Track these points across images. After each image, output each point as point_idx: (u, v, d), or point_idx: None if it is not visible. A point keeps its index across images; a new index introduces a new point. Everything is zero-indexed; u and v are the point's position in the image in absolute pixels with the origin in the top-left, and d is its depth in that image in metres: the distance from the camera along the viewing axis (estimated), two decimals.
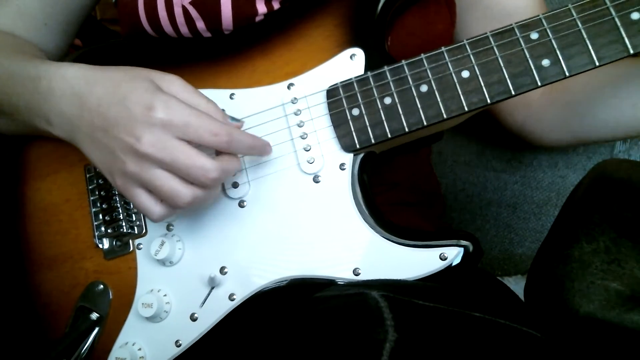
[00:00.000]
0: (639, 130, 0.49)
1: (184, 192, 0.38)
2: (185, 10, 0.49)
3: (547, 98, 0.56)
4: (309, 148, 0.44)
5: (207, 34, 0.51)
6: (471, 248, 0.41)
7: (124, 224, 0.49)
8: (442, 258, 0.40)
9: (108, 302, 0.47)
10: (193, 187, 0.39)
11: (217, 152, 0.41)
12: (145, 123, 0.37)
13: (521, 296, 0.48)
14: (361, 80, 0.43)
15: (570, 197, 0.45)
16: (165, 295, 0.45)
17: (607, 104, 0.49)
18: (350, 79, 0.44)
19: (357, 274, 0.42)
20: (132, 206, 0.49)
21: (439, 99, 0.41)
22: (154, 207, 0.40)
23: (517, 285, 0.68)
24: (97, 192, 0.50)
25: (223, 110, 0.46)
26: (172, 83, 0.40)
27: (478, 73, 0.41)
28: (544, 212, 0.71)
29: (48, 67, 0.44)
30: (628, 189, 0.40)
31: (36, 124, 0.45)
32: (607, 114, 0.49)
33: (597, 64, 0.39)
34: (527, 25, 0.40)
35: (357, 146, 0.43)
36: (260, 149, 0.43)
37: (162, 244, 0.45)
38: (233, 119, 0.41)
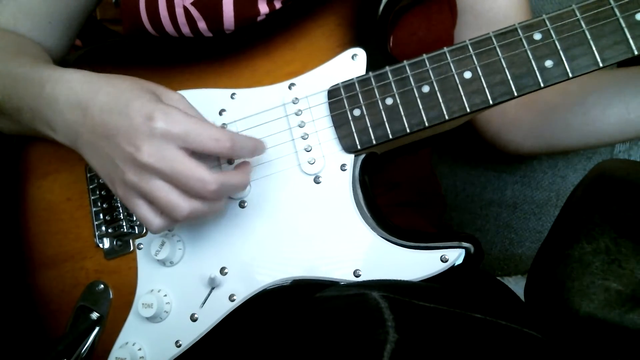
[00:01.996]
0: (610, 136, 0.50)
1: (182, 205, 0.38)
2: (186, 11, 0.49)
3: (522, 105, 0.57)
4: (310, 149, 0.44)
5: (209, 34, 0.51)
6: (472, 250, 0.41)
7: (124, 223, 0.49)
8: (443, 260, 0.40)
9: (108, 302, 0.47)
10: (192, 200, 0.38)
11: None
12: (145, 133, 0.37)
13: (521, 296, 0.48)
14: (363, 81, 0.43)
15: (571, 197, 0.45)
16: (165, 295, 0.45)
17: (578, 110, 0.50)
18: (352, 79, 0.43)
19: (357, 276, 0.42)
20: None
21: (440, 100, 0.41)
22: (153, 218, 0.40)
23: (517, 285, 0.68)
24: (97, 192, 0.50)
25: (223, 109, 0.46)
26: (175, 100, 0.40)
27: (480, 74, 0.40)
28: (544, 212, 0.71)
29: (52, 72, 0.43)
30: (628, 189, 0.40)
31: (39, 128, 0.45)
32: (578, 120, 0.50)
33: (601, 65, 0.38)
34: (530, 26, 0.40)
35: (359, 147, 0.43)
36: (262, 151, 0.43)
37: (163, 244, 0.45)
38: None
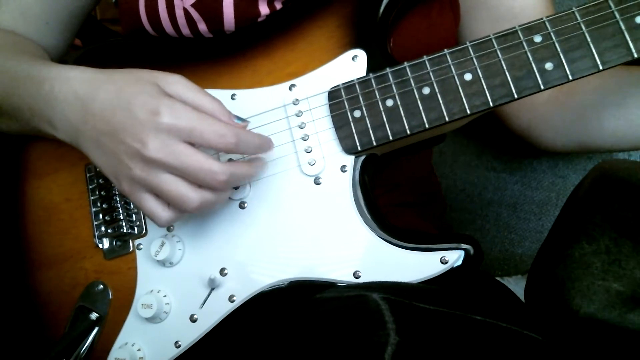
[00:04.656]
0: None
1: (192, 196, 0.38)
2: (186, 13, 0.49)
3: (554, 102, 0.54)
4: (310, 150, 0.44)
5: (209, 35, 0.50)
6: (472, 251, 0.41)
7: (124, 224, 0.48)
8: (443, 262, 0.40)
9: (108, 302, 0.47)
10: (201, 190, 0.38)
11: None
12: (151, 128, 0.37)
13: (521, 296, 0.48)
14: (363, 82, 0.43)
15: (571, 198, 0.45)
16: (165, 296, 0.45)
17: (614, 111, 0.48)
18: (352, 80, 0.43)
19: (357, 277, 0.42)
20: (132, 206, 0.49)
21: (441, 102, 0.41)
22: (161, 212, 0.39)
23: (517, 285, 0.68)
24: (97, 192, 0.50)
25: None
26: (176, 83, 0.39)
27: (481, 76, 0.40)
28: (544, 212, 0.71)
29: (50, 70, 0.43)
30: (629, 189, 0.40)
31: (40, 126, 0.44)
32: (613, 121, 0.48)
33: (601, 67, 0.38)
34: (530, 28, 0.40)
35: (359, 148, 0.43)
36: (267, 148, 0.43)
37: (162, 244, 0.45)
38: (239, 118, 0.41)
